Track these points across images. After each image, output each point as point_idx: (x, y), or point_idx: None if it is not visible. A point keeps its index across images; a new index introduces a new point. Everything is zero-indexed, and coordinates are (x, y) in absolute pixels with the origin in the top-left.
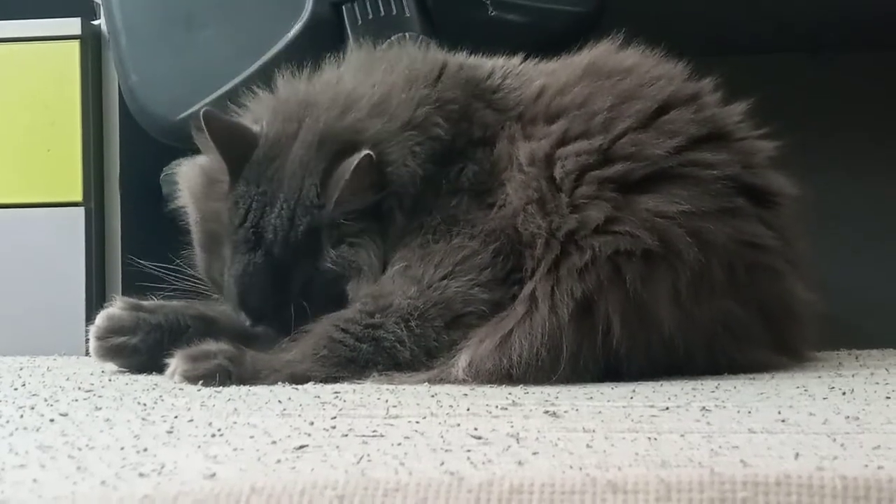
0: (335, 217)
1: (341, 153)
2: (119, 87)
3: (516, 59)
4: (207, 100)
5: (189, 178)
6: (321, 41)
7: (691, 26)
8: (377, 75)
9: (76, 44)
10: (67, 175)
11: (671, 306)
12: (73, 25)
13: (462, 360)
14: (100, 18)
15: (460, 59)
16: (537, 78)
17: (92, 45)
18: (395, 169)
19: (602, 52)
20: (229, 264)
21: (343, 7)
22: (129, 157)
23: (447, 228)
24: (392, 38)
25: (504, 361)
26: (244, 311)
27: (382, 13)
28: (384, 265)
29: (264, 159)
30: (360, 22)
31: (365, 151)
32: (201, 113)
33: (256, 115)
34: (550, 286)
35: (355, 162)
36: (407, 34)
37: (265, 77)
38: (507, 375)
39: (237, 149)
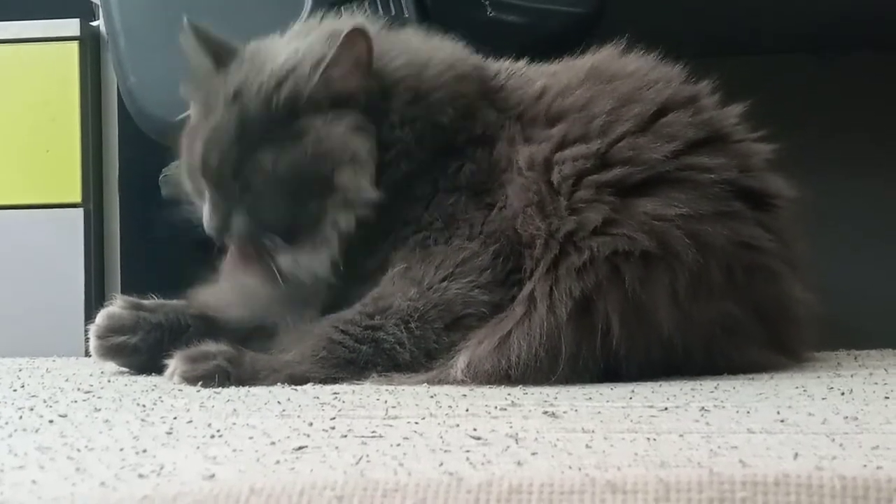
0: (323, 92)
1: None
2: (118, 89)
3: (521, 63)
4: None
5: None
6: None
7: (691, 26)
8: (421, 43)
9: (75, 45)
10: (66, 176)
11: (670, 307)
12: (72, 27)
13: (461, 362)
14: (99, 20)
15: (475, 58)
16: (538, 79)
17: (91, 47)
18: (392, 116)
19: (605, 56)
20: (203, 129)
21: (342, 7)
22: (127, 159)
23: (445, 227)
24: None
25: (502, 362)
26: (203, 172)
27: (381, 14)
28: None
29: (257, 48)
30: None
31: (358, 24)
32: (185, 20)
33: None
34: (549, 286)
35: (346, 30)
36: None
37: None
38: (505, 376)
39: (221, 46)
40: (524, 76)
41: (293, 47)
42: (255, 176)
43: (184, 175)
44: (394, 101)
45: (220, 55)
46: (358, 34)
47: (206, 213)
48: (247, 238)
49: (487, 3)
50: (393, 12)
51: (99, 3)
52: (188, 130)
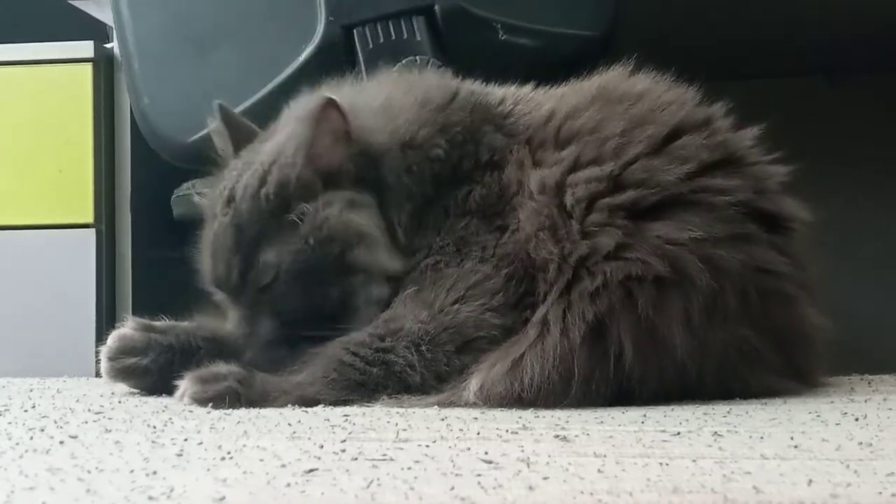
0: (310, 175)
1: None
2: (131, 110)
3: (527, 87)
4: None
5: (206, 196)
6: (332, 64)
7: (703, 49)
8: (391, 90)
9: (89, 67)
10: (79, 197)
11: (684, 331)
12: (86, 49)
13: (473, 384)
14: (112, 42)
15: (472, 86)
16: (546, 102)
17: (104, 68)
18: (388, 174)
19: (613, 77)
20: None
21: (354, 31)
22: (140, 179)
23: (457, 250)
24: (403, 62)
25: (515, 385)
26: (214, 282)
27: (394, 37)
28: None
29: (259, 141)
30: (371, 45)
31: (325, 95)
32: (216, 104)
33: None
34: (562, 310)
35: (318, 103)
36: (417, 58)
37: (277, 100)
38: (518, 399)
39: (242, 134)
40: (532, 101)
41: (276, 137)
42: (264, 278)
43: (205, 285)
44: (384, 163)
45: (240, 143)
46: (329, 107)
47: (231, 322)
48: (279, 338)
49: (499, 26)
50: (405, 36)
51: (113, 25)
52: (202, 237)
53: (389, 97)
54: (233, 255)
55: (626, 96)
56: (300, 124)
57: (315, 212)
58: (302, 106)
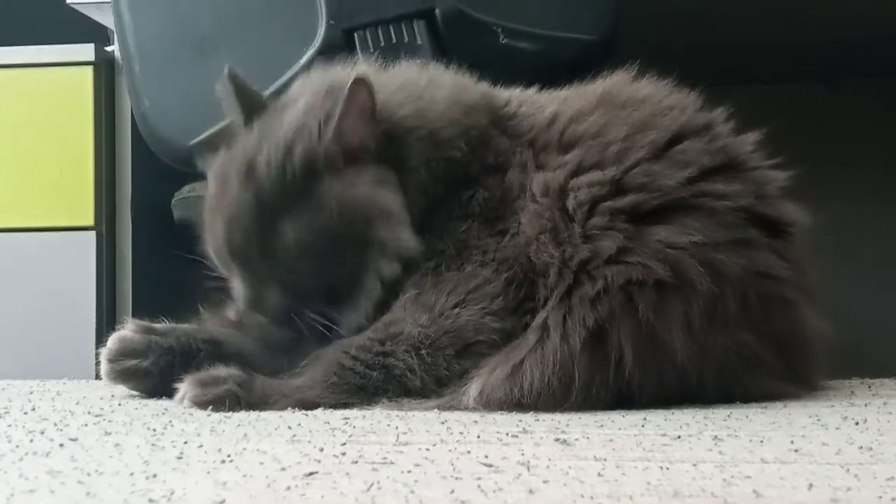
0: (335, 150)
1: None
2: (132, 113)
3: (532, 90)
4: (220, 126)
5: (214, 162)
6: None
7: (704, 54)
8: (420, 76)
9: (90, 69)
10: (80, 199)
11: (684, 336)
12: (86, 52)
13: (473, 389)
14: (113, 45)
15: (483, 87)
16: (549, 105)
17: (105, 71)
18: (412, 156)
19: (617, 82)
20: (222, 209)
21: (355, 34)
22: (140, 182)
23: (458, 254)
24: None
25: (515, 390)
26: (231, 258)
27: (394, 40)
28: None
29: (273, 110)
30: (372, 49)
31: (356, 73)
32: (226, 68)
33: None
34: (563, 315)
35: (350, 81)
36: (419, 62)
37: None
38: (517, 404)
39: (254, 101)
40: (535, 103)
41: (296, 109)
42: (282, 250)
43: (210, 252)
44: (406, 147)
45: (252, 110)
46: (360, 84)
47: (237, 291)
48: (284, 310)
49: (500, 30)
50: (406, 39)
51: (114, 28)
52: (207, 206)
53: (414, 80)
54: (252, 225)
55: (629, 101)
56: (328, 98)
57: (342, 188)
58: (324, 80)
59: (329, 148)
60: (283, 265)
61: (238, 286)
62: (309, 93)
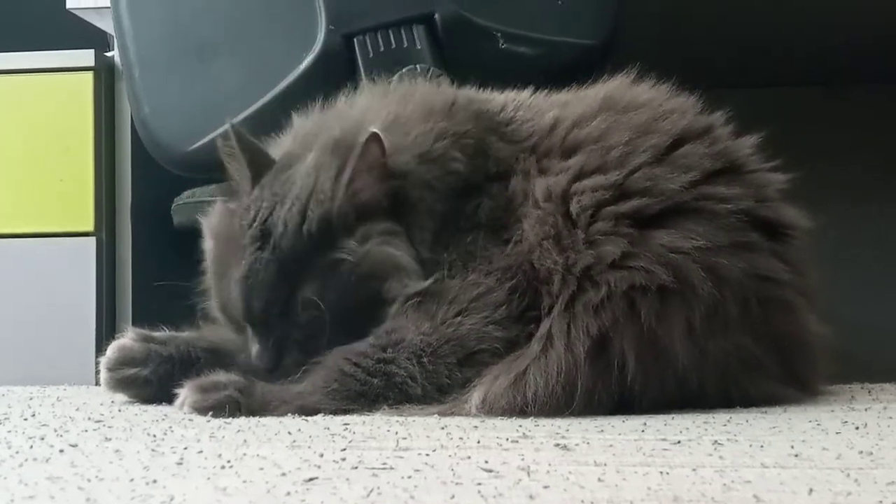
0: (348, 208)
1: None
2: (131, 119)
3: (526, 93)
4: (219, 131)
5: (213, 215)
6: (333, 73)
7: (703, 58)
8: (391, 105)
9: (90, 75)
10: (79, 205)
11: (685, 341)
12: (86, 57)
13: (476, 397)
14: (113, 50)
15: (469, 92)
16: (549, 109)
17: (105, 77)
18: (410, 192)
19: (618, 86)
20: (235, 271)
21: (355, 39)
22: (140, 188)
23: (463, 264)
24: (402, 71)
25: (518, 399)
26: (248, 318)
27: (394, 45)
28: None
29: (280, 168)
30: (371, 54)
31: (371, 129)
32: (230, 125)
33: (278, 149)
34: (566, 323)
35: (363, 139)
36: (418, 66)
37: (277, 108)
38: (521, 412)
39: (260, 160)
40: (533, 107)
41: (306, 168)
42: (304, 313)
43: (217, 312)
44: (407, 183)
45: (259, 168)
46: (374, 142)
47: (254, 352)
48: (298, 367)
49: (499, 34)
50: (405, 44)
51: (114, 34)
52: (213, 266)
53: (395, 112)
54: (273, 292)
55: (630, 106)
56: (336, 153)
57: (356, 248)
58: (329, 126)
59: (342, 208)
60: (302, 326)
61: (253, 348)
62: (317, 147)
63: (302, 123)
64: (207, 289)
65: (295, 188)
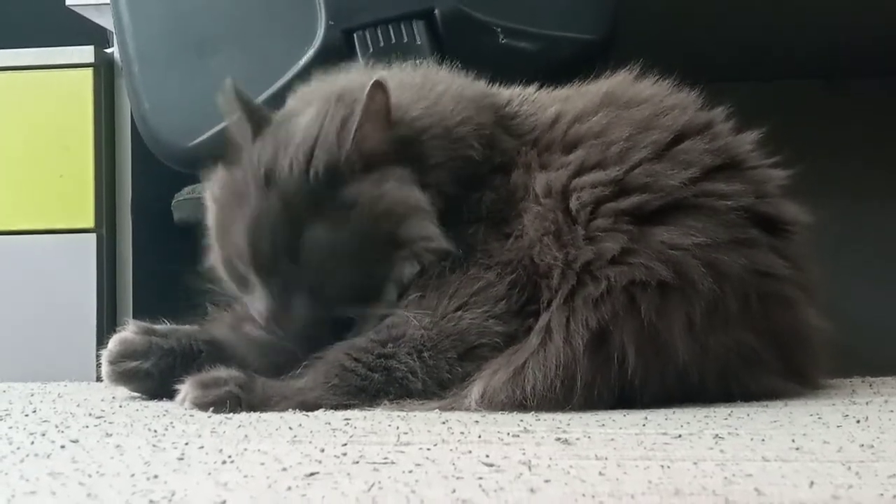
0: (356, 156)
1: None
2: (131, 115)
3: (531, 88)
4: (219, 127)
5: (213, 183)
6: (333, 68)
7: (703, 53)
8: (414, 77)
9: (89, 71)
10: (80, 201)
11: (686, 337)
12: (86, 53)
13: (475, 391)
14: (113, 47)
15: (482, 85)
16: (551, 104)
17: (105, 73)
18: (431, 154)
19: (620, 82)
20: (240, 222)
21: (355, 35)
22: (141, 184)
23: (463, 257)
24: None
25: (517, 393)
26: (254, 264)
27: (394, 41)
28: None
29: (281, 120)
30: (371, 49)
31: (374, 78)
32: (227, 81)
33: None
34: (565, 317)
35: (368, 85)
36: (418, 62)
37: (277, 104)
38: (520, 406)
39: (259, 113)
40: (536, 101)
41: (309, 116)
42: (314, 254)
43: (221, 270)
44: (422, 147)
45: (259, 123)
46: (378, 88)
47: (259, 304)
48: (313, 320)
49: (499, 29)
50: (405, 39)
51: (113, 30)
52: (217, 220)
53: (410, 78)
54: (280, 231)
55: (632, 101)
56: (339, 104)
57: (371, 188)
58: (329, 86)
59: (350, 154)
60: (312, 271)
61: (259, 299)
62: (318, 100)
63: (303, 89)
64: (211, 249)
65: (298, 135)
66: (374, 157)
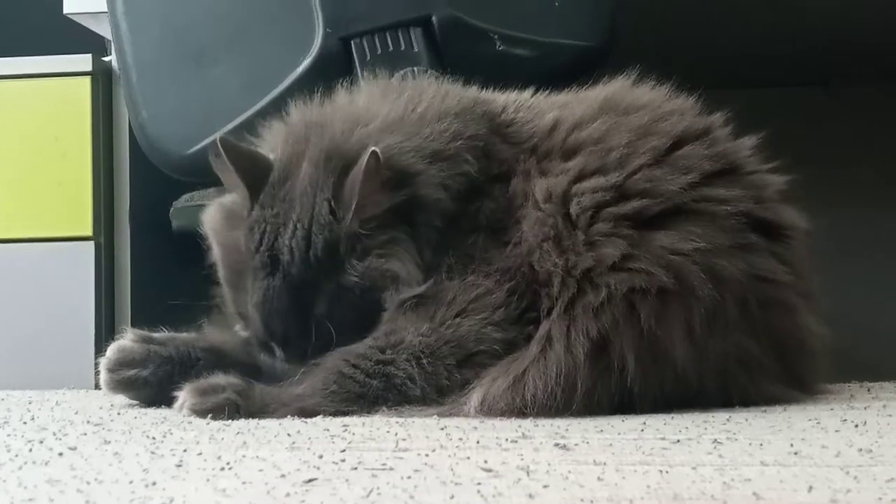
0: (355, 228)
1: (349, 167)
2: (129, 123)
3: (526, 93)
4: (217, 135)
5: (211, 215)
6: (330, 76)
7: (701, 59)
8: (396, 104)
9: (87, 80)
10: (78, 210)
11: (685, 343)
12: (84, 62)
13: (474, 399)
14: (111, 55)
15: (473, 93)
16: (549, 110)
17: (103, 81)
18: (423, 192)
19: (618, 88)
20: (250, 294)
21: (352, 42)
22: (138, 192)
23: (463, 266)
24: (400, 73)
25: (517, 400)
26: (270, 338)
27: (391, 48)
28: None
29: (277, 182)
30: (368, 57)
31: (370, 149)
32: (218, 139)
33: (272, 144)
34: (566, 325)
35: (363, 162)
36: (415, 69)
37: (275, 111)
38: (520, 413)
39: (254, 172)
40: (533, 108)
41: (302, 185)
42: (323, 328)
43: (233, 316)
44: (420, 183)
45: (255, 182)
46: (373, 161)
47: (279, 356)
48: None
49: (496, 36)
50: (402, 47)
51: (111, 38)
52: (224, 273)
53: (402, 111)
54: (289, 315)
55: (631, 107)
56: (327, 168)
57: (359, 266)
58: (317, 133)
59: (348, 229)
60: (322, 337)
61: (278, 357)
62: (308, 160)
63: (297, 118)
64: (222, 290)
65: (295, 210)
66: (372, 221)
